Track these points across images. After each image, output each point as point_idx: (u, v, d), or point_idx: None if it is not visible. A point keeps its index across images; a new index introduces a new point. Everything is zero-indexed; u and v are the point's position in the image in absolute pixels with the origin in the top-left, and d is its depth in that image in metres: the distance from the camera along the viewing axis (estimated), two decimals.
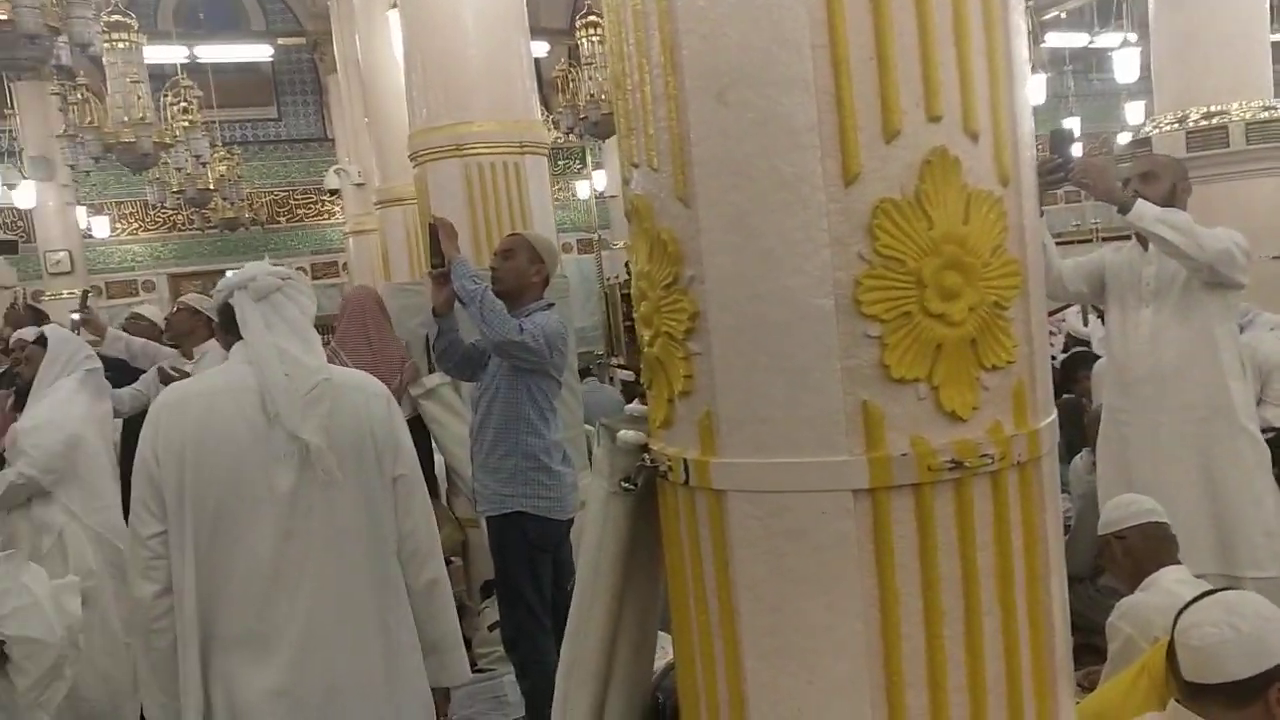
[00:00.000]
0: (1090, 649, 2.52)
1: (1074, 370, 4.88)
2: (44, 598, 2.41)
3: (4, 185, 11.45)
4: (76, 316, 5.13)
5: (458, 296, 2.96)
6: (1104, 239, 8.15)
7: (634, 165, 1.41)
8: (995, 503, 1.22)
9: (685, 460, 1.32)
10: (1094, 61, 15.19)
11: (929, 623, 1.19)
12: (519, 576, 2.99)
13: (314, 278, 17.10)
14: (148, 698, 1.91)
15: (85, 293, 5.88)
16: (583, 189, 14.90)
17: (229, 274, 2.09)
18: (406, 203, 7.67)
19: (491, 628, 3.59)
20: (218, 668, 1.84)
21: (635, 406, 1.61)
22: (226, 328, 2.01)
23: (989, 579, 1.21)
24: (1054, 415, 1.31)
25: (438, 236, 3.04)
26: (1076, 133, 12.99)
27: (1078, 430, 4.02)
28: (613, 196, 14.22)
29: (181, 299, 4.82)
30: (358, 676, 1.89)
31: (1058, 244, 3.49)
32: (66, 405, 3.18)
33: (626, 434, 1.47)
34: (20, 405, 3.21)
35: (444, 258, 3.01)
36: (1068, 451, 4.02)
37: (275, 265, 2.09)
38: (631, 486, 1.43)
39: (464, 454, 3.82)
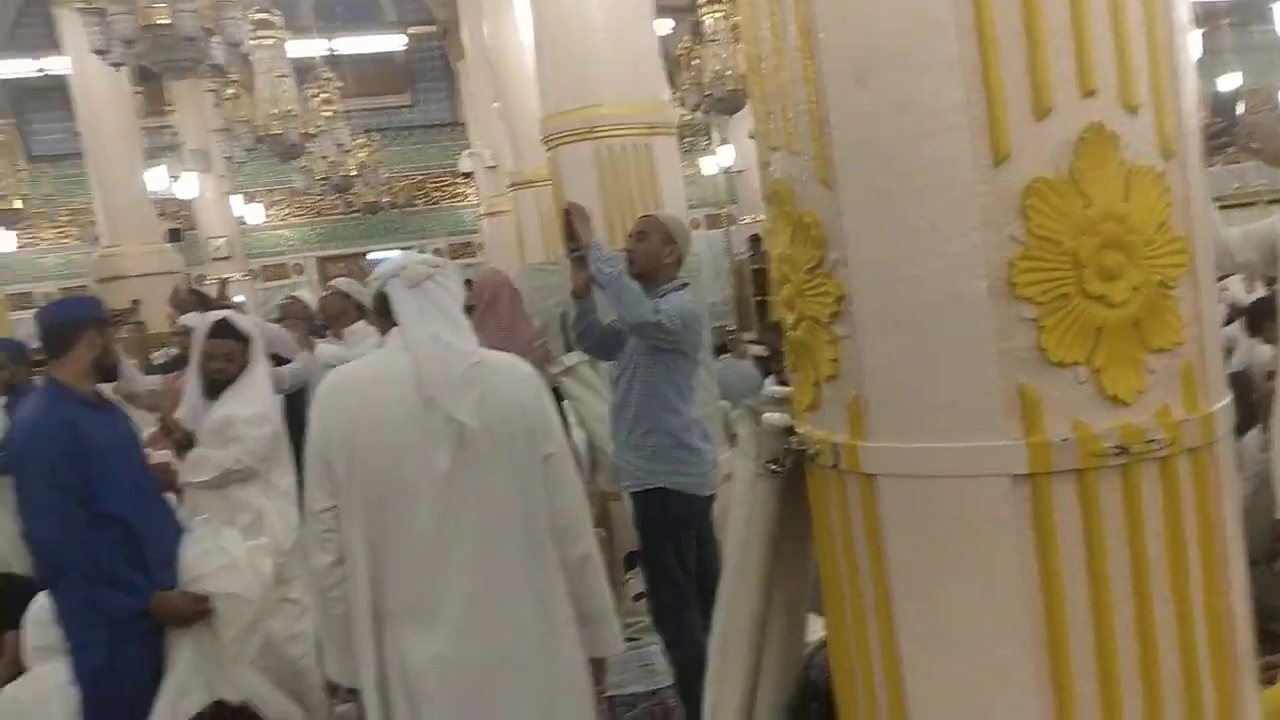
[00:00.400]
0: (1269, 635, 2.39)
1: (1261, 319, 4.54)
2: (241, 558, 2.64)
3: (169, 178, 12.19)
4: (239, 298, 5.42)
5: (594, 279, 3.03)
6: (1269, 202, 7.61)
7: (773, 149, 1.41)
8: (1165, 490, 1.18)
9: (834, 444, 1.32)
10: (1254, 12, 14.10)
11: (1097, 611, 1.17)
12: (663, 552, 3.05)
13: (451, 258, 17.66)
14: (328, 658, 2.07)
15: (223, 281, 6.21)
16: (709, 165, 14.83)
17: (381, 263, 2.19)
18: (539, 185, 7.81)
19: (637, 598, 3.66)
20: (388, 633, 1.97)
21: (778, 388, 1.62)
22: (382, 314, 2.11)
23: (1161, 568, 1.18)
24: (1228, 398, 1.26)
25: (573, 221, 3.10)
26: (1238, 91, 12.11)
27: (1246, 407, 3.79)
28: (739, 171, 14.10)
29: (331, 283, 5.07)
30: (516, 647, 1.98)
31: (1218, 208, 3.29)
32: (267, 394, 3.38)
33: (771, 417, 1.48)
34: (214, 394, 3.34)
35: (580, 242, 3.08)
36: (1237, 429, 3.79)
37: (423, 253, 2.19)
38: (779, 469, 1.44)
39: (604, 429, 3.90)
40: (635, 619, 3.61)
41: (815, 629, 1.62)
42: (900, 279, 1.23)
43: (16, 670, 3.06)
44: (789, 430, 1.46)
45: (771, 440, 1.47)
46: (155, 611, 2.55)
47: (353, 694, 2.10)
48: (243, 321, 3.48)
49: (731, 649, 1.51)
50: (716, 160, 14.44)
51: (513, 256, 9.84)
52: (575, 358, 4.54)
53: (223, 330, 3.39)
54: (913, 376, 1.23)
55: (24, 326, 9.34)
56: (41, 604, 2.91)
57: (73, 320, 2.71)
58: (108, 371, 2.83)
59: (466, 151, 12.59)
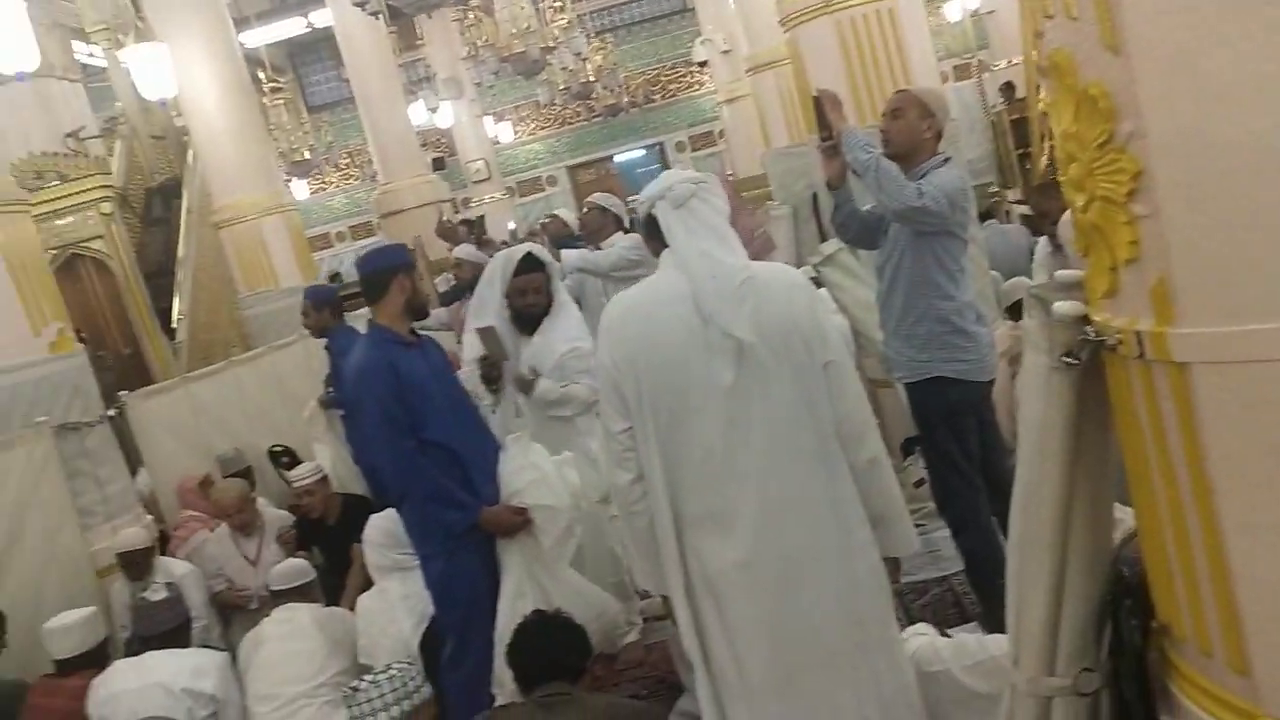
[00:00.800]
0: None
1: None
2: (550, 472, 2.88)
3: (427, 110, 12.92)
4: (511, 225, 5.71)
5: (850, 167, 2.93)
6: None
7: (1048, 17, 1.31)
8: None
9: (1137, 332, 1.24)
10: None
11: None
12: (944, 440, 2.98)
13: (693, 150, 17.71)
14: (636, 568, 2.22)
15: (480, 219, 6.53)
16: (953, 10, 13.74)
17: (646, 186, 2.23)
18: (777, 65, 7.62)
19: (918, 484, 3.63)
20: (690, 541, 2.07)
21: (1066, 273, 1.52)
22: (652, 236, 2.16)
23: None
24: None
25: (824, 109, 3.00)
26: None
27: None
28: (989, 12, 12.97)
29: (589, 199, 5.24)
30: (812, 549, 2.03)
31: None
32: (582, 322, 3.53)
33: (1063, 305, 1.40)
34: (525, 327, 3.46)
35: (832, 130, 2.98)
36: None
37: (687, 171, 2.21)
38: (1075, 361, 1.37)
39: (868, 316, 3.83)
40: (918, 506, 3.58)
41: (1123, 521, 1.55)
42: (1209, 146, 1.12)
43: (368, 579, 3.53)
44: (1083, 319, 1.37)
45: (1064, 331, 1.39)
46: (484, 524, 2.85)
47: (647, 595, 2.26)
48: (543, 252, 3.55)
49: (1033, 546, 1.48)
50: (961, 3, 13.35)
51: (755, 141, 9.73)
52: (833, 245, 4.46)
53: (531, 264, 3.46)
54: (1229, 253, 1.13)
55: (323, 265, 10.42)
56: (374, 528, 3.32)
57: (384, 267, 2.96)
58: (418, 310, 3.04)
59: (699, 39, 12.44)
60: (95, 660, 3.20)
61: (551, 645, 2.23)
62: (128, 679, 2.99)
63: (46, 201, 6.40)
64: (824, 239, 6.12)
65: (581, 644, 2.28)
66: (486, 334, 3.42)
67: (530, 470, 2.86)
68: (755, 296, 2.01)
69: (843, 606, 2.02)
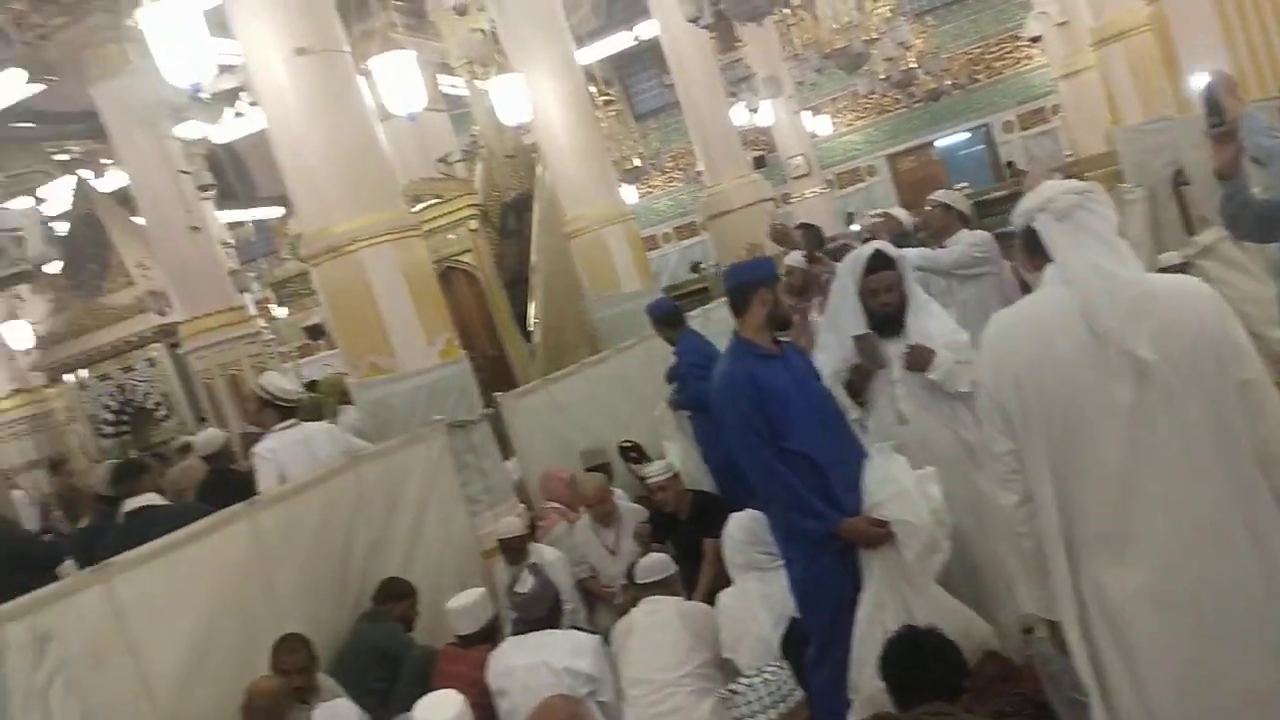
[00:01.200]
0: None
1: None
2: (910, 486, 2.85)
3: (748, 110, 13.11)
4: (854, 227, 5.70)
5: (1249, 155, 2.65)
6: None
7: None
8: None
9: None
10: None
11: None
12: None
13: (1022, 129, 16.65)
14: (1022, 591, 2.16)
15: (819, 232, 6.44)
16: None
17: (1022, 199, 2.14)
18: (1127, 36, 7.02)
19: None
20: (1085, 566, 1.97)
21: None
22: (1033, 251, 2.06)
23: None
24: None
25: (1217, 92, 2.73)
26: None
27: None
28: None
29: (932, 196, 5.11)
30: (1229, 582, 1.87)
31: None
32: (948, 315, 3.51)
33: None
34: (884, 328, 3.34)
35: (1224, 115, 2.70)
36: None
37: (1067, 181, 2.10)
38: None
39: (1257, 311, 3.45)
40: None
41: None
42: None
43: (718, 573, 3.70)
44: None
45: None
46: (843, 534, 2.89)
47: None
48: (890, 248, 3.47)
49: None
50: None
51: (1099, 118, 8.97)
52: (1212, 235, 4.08)
53: (882, 261, 3.38)
54: None
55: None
56: (736, 525, 3.46)
57: (747, 282, 3.08)
58: (780, 322, 3.11)
59: (1033, 13, 11.68)
60: (489, 635, 3.62)
61: (931, 663, 2.21)
62: (518, 655, 3.35)
63: (425, 221, 7.22)
64: (1188, 225, 5.56)
65: (960, 663, 2.25)
66: (864, 341, 3.31)
67: (891, 484, 2.84)
68: (1156, 311, 1.88)
69: (1272, 649, 1.83)
